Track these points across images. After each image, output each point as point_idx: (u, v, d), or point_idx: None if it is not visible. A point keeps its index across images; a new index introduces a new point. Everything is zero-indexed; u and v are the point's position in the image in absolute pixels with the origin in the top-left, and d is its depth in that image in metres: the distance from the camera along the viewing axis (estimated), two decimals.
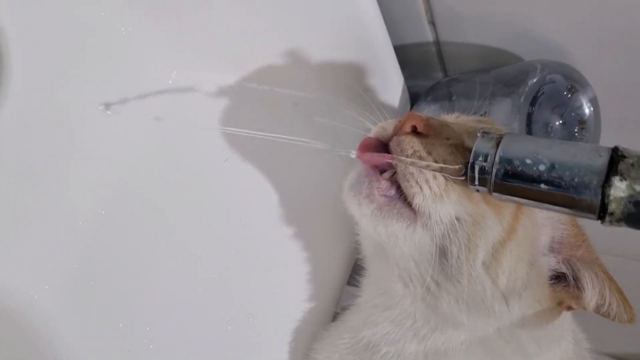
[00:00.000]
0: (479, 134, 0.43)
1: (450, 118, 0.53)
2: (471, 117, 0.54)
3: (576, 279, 0.49)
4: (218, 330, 0.59)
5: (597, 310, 0.47)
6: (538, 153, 0.39)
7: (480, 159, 0.42)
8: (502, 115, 0.61)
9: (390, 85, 0.65)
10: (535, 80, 0.59)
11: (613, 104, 0.62)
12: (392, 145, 0.47)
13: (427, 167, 0.45)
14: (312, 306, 0.63)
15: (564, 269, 0.49)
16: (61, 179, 0.57)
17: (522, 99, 0.59)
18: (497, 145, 0.41)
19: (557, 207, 0.39)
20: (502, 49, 0.68)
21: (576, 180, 0.37)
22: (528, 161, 0.39)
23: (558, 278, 0.50)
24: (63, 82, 0.56)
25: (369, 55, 0.63)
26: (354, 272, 0.66)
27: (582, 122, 0.60)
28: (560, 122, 0.59)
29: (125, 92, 0.59)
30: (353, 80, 0.64)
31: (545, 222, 0.50)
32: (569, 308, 0.51)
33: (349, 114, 0.56)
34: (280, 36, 0.62)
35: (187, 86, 0.62)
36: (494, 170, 0.41)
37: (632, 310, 0.46)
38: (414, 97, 0.72)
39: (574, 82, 0.60)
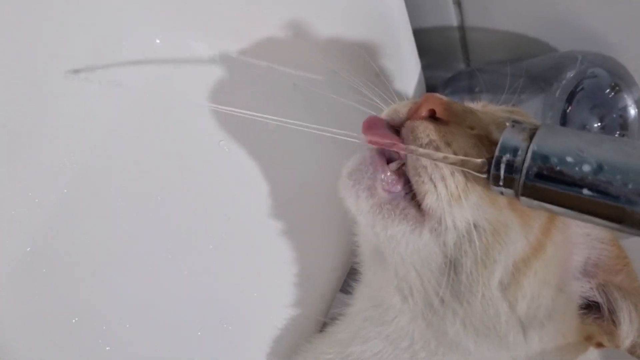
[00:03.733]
0: (508, 124, 0.35)
1: (476, 106, 0.45)
2: (500, 107, 0.46)
3: (611, 311, 0.41)
4: (186, 336, 0.52)
5: (633, 350, 0.40)
6: (582, 150, 0.31)
7: (508, 153, 0.34)
8: (532, 112, 0.53)
9: (406, 71, 0.57)
10: (574, 73, 0.51)
11: None
12: (405, 131, 0.39)
13: (444, 159, 0.36)
14: (297, 313, 0.56)
15: (597, 297, 0.42)
16: (20, 155, 0.49)
17: (557, 94, 0.51)
18: (530, 138, 0.33)
19: (601, 220, 0.31)
20: (535, 38, 0.59)
21: (630, 186, 0.30)
22: (569, 159, 0.31)
23: (589, 307, 0.42)
24: (31, 46, 0.49)
25: (382, 34, 0.55)
26: (349, 278, 0.58)
27: (624, 126, 0.51)
28: (599, 124, 0.51)
29: (99, 58, 0.51)
30: (362, 62, 0.56)
31: (581, 239, 0.42)
32: (599, 345, 0.43)
33: (356, 98, 0.48)
34: (283, 5, 0.55)
35: (172, 55, 0.54)
36: (525, 169, 0.33)
37: None
38: (430, 89, 0.64)
39: (619, 79, 0.51)
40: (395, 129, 0.41)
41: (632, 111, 0.51)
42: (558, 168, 0.31)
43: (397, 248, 0.40)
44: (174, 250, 0.53)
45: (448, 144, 0.38)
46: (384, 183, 0.40)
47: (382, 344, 0.47)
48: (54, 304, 0.49)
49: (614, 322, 0.40)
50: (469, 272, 0.39)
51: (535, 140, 0.33)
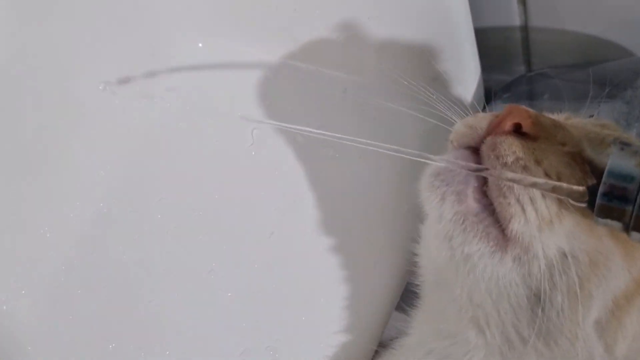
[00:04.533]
0: (614, 146, 0.30)
1: (558, 118, 0.41)
2: (588, 120, 0.41)
3: None
4: None
5: None
6: None
7: (617, 181, 0.29)
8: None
9: (465, 75, 0.53)
10: None
11: None
12: (485, 149, 0.36)
13: (533, 185, 0.32)
14: (348, 340, 0.51)
15: None
16: (55, 167, 0.46)
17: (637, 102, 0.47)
18: None
19: None
20: (607, 40, 0.55)
21: None
22: None
23: None
24: (69, 54, 0.45)
25: (442, 34, 0.51)
26: (402, 300, 0.54)
27: None
28: None
29: (137, 66, 0.47)
30: (419, 65, 0.52)
31: None
32: None
33: (412, 105, 0.44)
34: (334, 4, 0.51)
35: (214, 59, 0.50)
36: (639, 199, 0.28)
37: None
38: (487, 94, 0.60)
39: None
40: (474, 147, 0.37)
41: None
42: None
43: (474, 271, 0.36)
44: (215, 269, 0.49)
45: (538, 163, 0.34)
46: (475, 192, 0.36)
47: None
48: (90, 328, 0.46)
49: None
50: (559, 309, 0.34)
51: None
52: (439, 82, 0.51)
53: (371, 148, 0.36)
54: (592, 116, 0.48)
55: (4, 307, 0.43)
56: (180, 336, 0.47)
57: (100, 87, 0.44)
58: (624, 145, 0.30)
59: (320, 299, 0.51)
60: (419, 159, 0.36)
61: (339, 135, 0.38)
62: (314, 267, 0.52)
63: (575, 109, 0.51)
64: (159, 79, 0.47)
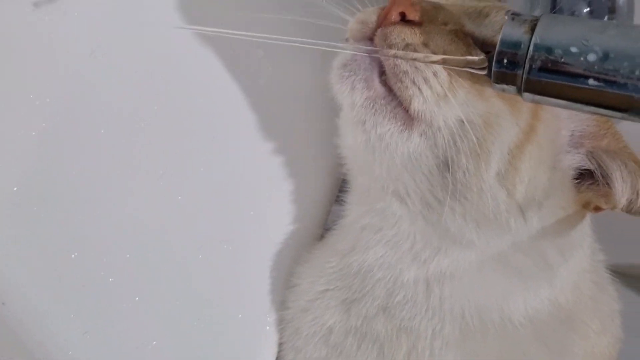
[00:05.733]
0: (507, 17, 0.34)
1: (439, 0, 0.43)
2: None
3: (604, 175, 0.43)
4: (187, 259, 0.52)
5: (629, 207, 0.42)
6: (587, 39, 0.30)
7: (509, 48, 0.33)
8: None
9: None
10: None
11: None
12: (378, 40, 0.39)
13: (443, 62, 0.36)
14: (295, 228, 0.56)
15: (589, 165, 0.43)
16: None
17: None
18: (532, 30, 0.32)
19: (607, 111, 0.31)
20: None
21: (638, 73, 0.29)
22: (573, 49, 0.31)
23: (582, 176, 0.44)
24: None
25: None
26: (341, 190, 0.58)
27: (612, 9, 0.50)
28: (588, 9, 0.50)
29: None
30: None
31: (565, 114, 0.43)
32: (597, 209, 0.45)
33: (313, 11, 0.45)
34: None
35: None
36: (527, 63, 0.32)
37: None
38: None
39: None
40: (368, 38, 0.40)
41: None
42: (562, 60, 0.31)
43: (387, 149, 0.41)
44: (165, 174, 0.51)
45: (426, 45, 0.38)
46: (380, 78, 0.40)
47: (382, 249, 0.48)
48: (50, 242, 0.48)
49: (608, 185, 0.42)
50: (465, 169, 0.39)
51: (537, 32, 0.32)
52: None
53: (290, 44, 0.39)
54: None
55: None
56: (139, 238, 0.50)
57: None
58: (514, 15, 0.34)
59: (266, 195, 0.55)
60: (329, 49, 0.39)
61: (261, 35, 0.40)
62: (258, 167, 0.56)
63: None
64: None
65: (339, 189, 0.58)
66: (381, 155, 0.42)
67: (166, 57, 0.52)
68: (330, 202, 0.57)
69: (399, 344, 0.48)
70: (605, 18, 0.50)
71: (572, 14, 0.50)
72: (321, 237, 0.57)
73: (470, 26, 0.39)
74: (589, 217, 0.49)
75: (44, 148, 0.48)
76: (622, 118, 0.31)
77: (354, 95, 0.41)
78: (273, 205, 0.55)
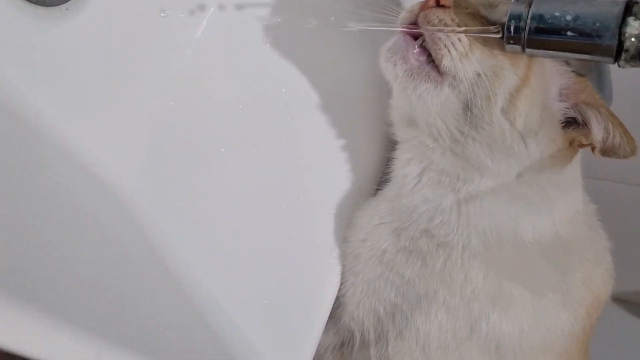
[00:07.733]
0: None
1: None
2: None
3: (585, 121, 0.56)
4: (274, 209, 0.66)
5: (604, 143, 0.54)
6: (565, 7, 0.48)
7: (515, 20, 0.50)
8: None
9: None
10: None
11: None
12: (420, 20, 0.55)
13: (465, 31, 0.53)
14: (354, 185, 0.71)
15: (573, 114, 0.57)
16: (143, 74, 0.63)
17: None
18: (530, 6, 0.49)
19: (580, 55, 0.48)
20: None
21: (597, 25, 0.45)
22: (557, 14, 0.47)
23: (569, 123, 0.57)
24: None
25: None
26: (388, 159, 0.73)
27: None
28: None
29: None
30: None
31: (554, 72, 0.57)
32: (581, 145, 0.58)
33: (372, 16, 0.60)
34: None
35: None
36: (527, 27, 0.49)
37: (633, 141, 0.53)
38: None
39: None
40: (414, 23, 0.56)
41: None
42: (550, 21, 0.47)
43: (425, 103, 0.56)
44: (259, 146, 0.67)
45: (453, 20, 0.54)
46: (414, 54, 0.56)
47: (426, 191, 0.62)
48: (171, 186, 0.64)
49: (587, 127, 0.56)
50: (479, 107, 0.55)
51: (533, 6, 0.49)
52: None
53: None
54: None
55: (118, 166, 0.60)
56: (239, 194, 0.66)
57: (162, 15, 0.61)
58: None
59: (334, 159, 0.71)
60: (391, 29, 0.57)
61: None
62: (327, 140, 0.71)
63: None
64: None
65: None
66: (422, 108, 0.58)
67: (255, 56, 0.69)
68: (381, 164, 0.72)
69: (437, 255, 0.62)
70: None
71: None
72: (375, 192, 0.72)
73: (484, 11, 0.55)
74: (578, 165, 0.63)
75: (171, 119, 0.64)
76: (592, 59, 0.48)
77: (396, 69, 0.57)
78: (337, 168, 0.70)
